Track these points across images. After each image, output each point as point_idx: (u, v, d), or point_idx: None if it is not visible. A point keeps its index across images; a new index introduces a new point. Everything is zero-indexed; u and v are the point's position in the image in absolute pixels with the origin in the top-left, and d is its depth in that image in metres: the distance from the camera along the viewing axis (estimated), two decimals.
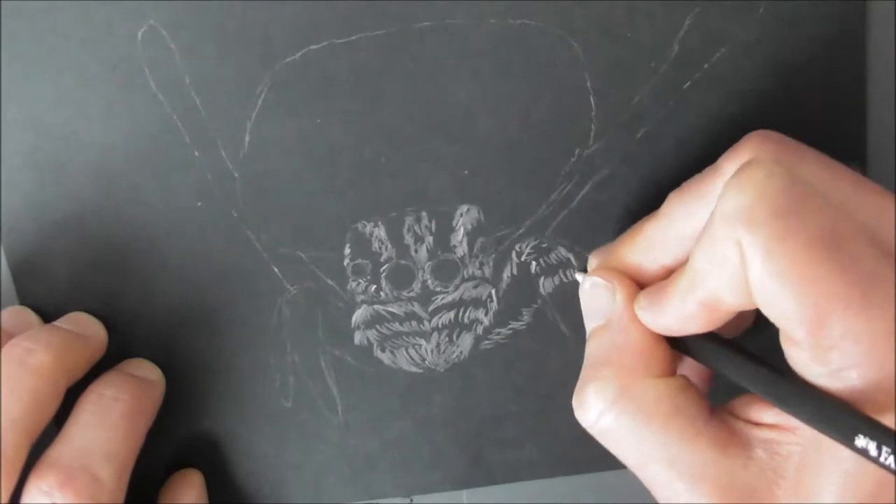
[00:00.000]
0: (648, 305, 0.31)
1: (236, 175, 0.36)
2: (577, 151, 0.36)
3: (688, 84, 0.36)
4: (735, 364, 0.30)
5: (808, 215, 0.26)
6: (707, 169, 0.31)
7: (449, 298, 0.37)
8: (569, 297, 0.37)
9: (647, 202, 0.37)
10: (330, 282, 0.37)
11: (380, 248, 0.37)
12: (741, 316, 0.30)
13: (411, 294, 0.37)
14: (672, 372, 0.31)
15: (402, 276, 0.37)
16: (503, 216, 0.37)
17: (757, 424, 0.30)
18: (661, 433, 0.30)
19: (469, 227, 0.37)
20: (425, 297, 0.37)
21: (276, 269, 0.37)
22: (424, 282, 0.37)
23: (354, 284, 0.37)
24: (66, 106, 0.35)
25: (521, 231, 0.37)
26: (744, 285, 0.27)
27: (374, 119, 0.36)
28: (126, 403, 0.35)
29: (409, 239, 0.37)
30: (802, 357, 0.27)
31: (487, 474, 0.39)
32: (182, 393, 0.38)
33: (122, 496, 0.34)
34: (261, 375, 0.38)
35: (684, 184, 0.31)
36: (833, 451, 0.26)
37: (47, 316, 0.37)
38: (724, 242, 0.27)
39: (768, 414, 0.29)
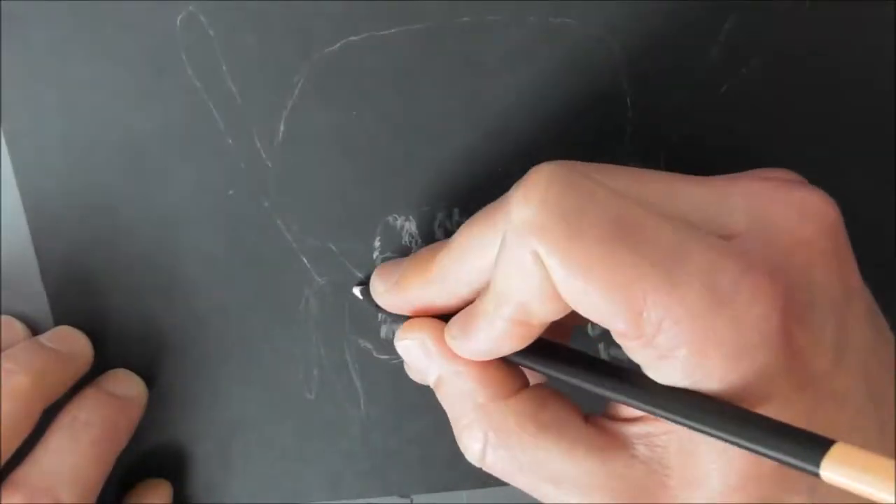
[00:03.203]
0: (460, 334, 0.30)
1: (269, 164, 0.36)
2: (612, 153, 0.36)
3: (724, 88, 0.36)
4: (571, 370, 0.29)
5: (596, 209, 0.26)
6: (499, 199, 0.29)
7: None
8: None
9: None
10: (358, 274, 0.37)
11: (410, 242, 0.37)
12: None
13: None
14: (525, 384, 0.31)
15: None
16: None
17: (630, 420, 0.28)
18: (536, 452, 0.29)
19: None
20: None
21: (304, 260, 0.37)
22: None
23: None
24: (102, 90, 0.35)
25: None
26: (550, 293, 0.26)
27: (409, 113, 0.35)
28: (98, 428, 0.35)
29: (439, 234, 0.37)
30: (634, 346, 0.26)
31: None
32: (205, 380, 0.38)
33: None
34: (285, 366, 0.38)
35: (476, 214, 0.30)
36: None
37: (71, 300, 0.37)
38: (522, 255, 0.26)
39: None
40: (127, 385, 0.37)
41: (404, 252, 0.37)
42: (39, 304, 0.37)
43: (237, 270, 0.37)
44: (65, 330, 0.37)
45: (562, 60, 0.35)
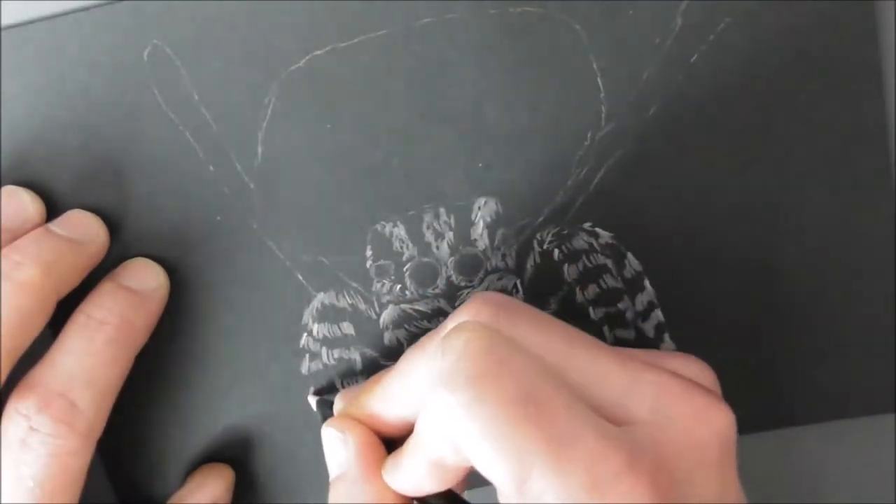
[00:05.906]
0: (391, 469, 0.32)
1: (252, 186, 0.36)
2: (589, 135, 0.36)
3: (695, 57, 0.35)
4: None
5: (507, 377, 0.27)
6: (439, 326, 0.32)
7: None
8: (595, 281, 0.37)
9: (664, 180, 0.36)
10: (355, 284, 0.37)
11: (401, 247, 0.37)
12: None
13: (437, 291, 0.37)
14: None
15: (425, 274, 0.37)
16: (521, 206, 0.37)
17: None
18: None
19: (488, 219, 0.37)
20: (451, 292, 0.37)
21: (300, 277, 0.37)
22: (448, 277, 0.37)
23: (379, 286, 0.37)
24: (79, 132, 0.35)
25: (540, 219, 0.37)
26: (458, 443, 0.28)
27: (383, 120, 0.36)
28: (114, 328, 0.34)
29: (429, 236, 0.37)
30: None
31: None
32: (216, 400, 0.38)
33: (101, 423, 0.33)
34: (294, 384, 0.38)
35: (420, 339, 0.32)
36: None
37: None
38: (434, 404, 0.28)
39: None
40: (146, 276, 0.36)
41: (397, 258, 0.37)
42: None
43: (234, 295, 0.37)
44: (76, 214, 0.35)
45: (528, 49, 0.35)
